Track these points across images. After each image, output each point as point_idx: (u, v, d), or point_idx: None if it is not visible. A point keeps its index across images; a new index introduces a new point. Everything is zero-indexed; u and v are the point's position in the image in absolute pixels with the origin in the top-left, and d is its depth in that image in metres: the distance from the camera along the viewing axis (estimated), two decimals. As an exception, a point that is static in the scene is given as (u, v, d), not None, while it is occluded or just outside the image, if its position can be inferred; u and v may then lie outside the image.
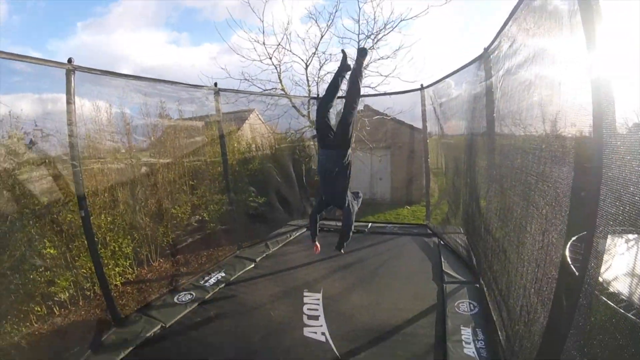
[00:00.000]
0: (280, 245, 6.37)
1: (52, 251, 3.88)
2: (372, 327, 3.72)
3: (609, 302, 1.65)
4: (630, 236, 1.79)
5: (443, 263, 5.14)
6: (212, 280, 4.91)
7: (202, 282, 4.86)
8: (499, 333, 3.14)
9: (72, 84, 3.54)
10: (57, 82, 3.49)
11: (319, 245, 4.39)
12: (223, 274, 5.10)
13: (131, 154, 5.15)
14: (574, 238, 1.93)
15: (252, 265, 5.50)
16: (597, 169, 1.61)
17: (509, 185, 3.26)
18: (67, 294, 4.18)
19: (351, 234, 4.11)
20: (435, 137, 7.07)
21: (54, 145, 4.03)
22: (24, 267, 3.57)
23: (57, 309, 4.06)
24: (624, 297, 1.63)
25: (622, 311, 1.56)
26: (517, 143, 3.26)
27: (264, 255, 5.90)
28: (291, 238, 6.72)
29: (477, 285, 4.33)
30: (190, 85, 5.26)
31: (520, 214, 2.87)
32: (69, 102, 3.54)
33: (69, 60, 3.51)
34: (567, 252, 1.89)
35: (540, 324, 2.11)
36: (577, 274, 1.71)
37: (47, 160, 4.02)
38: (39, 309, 3.87)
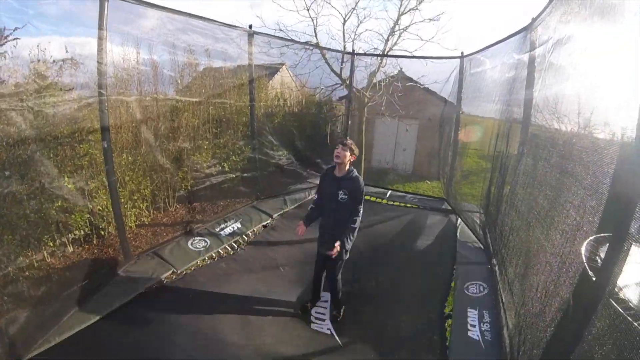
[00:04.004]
0: (297, 204, 6.40)
1: (70, 186, 3.80)
2: (378, 298, 3.82)
3: (617, 307, 1.56)
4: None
5: (458, 241, 5.10)
6: (228, 230, 4.97)
7: (217, 230, 4.93)
8: (507, 313, 3.11)
9: (105, 12, 3.44)
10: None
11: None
12: (239, 225, 5.16)
13: (157, 97, 5.06)
14: (591, 238, 1.83)
15: (269, 221, 5.55)
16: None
17: (544, 155, 3.10)
18: (82, 232, 4.15)
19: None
20: (465, 113, 6.79)
21: (82, 74, 3.92)
22: (42, 197, 3.50)
23: (71, 246, 4.05)
24: (631, 305, 1.54)
25: (630, 319, 1.47)
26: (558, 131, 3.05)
27: (281, 212, 5.94)
28: (309, 198, 6.71)
29: (489, 267, 4.29)
30: (224, 24, 5.06)
31: (554, 185, 2.71)
32: (101, 27, 3.44)
33: (101, -13, 3.40)
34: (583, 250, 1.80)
35: (561, 297, 2.03)
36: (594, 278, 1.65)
37: (73, 88, 3.93)
38: (52, 244, 3.82)
